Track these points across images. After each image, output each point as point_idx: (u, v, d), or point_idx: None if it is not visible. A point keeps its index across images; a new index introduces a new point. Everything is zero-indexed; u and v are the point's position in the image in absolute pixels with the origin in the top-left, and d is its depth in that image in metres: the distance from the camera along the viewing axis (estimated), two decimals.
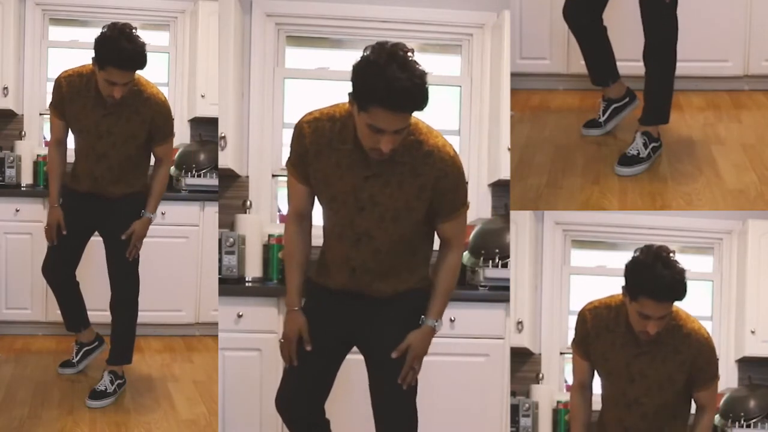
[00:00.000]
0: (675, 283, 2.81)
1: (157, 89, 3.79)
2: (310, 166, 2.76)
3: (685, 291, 2.84)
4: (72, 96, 3.71)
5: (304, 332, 2.89)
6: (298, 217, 2.92)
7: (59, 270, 4.03)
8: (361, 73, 2.49)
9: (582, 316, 3.13)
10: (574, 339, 3.19)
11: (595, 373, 3.20)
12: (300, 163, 2.77)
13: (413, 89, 2.45)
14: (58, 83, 3.74)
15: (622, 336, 3.02)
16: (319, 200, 2.86)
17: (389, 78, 2.43)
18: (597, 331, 3.07)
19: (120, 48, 3.46)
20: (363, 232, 2.77)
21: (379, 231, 2.76)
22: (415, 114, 2.60)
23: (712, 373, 3.09)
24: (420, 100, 2.49)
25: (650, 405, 3.05)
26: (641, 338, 2.97)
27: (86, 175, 3.85)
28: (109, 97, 3.59)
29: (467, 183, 2.84)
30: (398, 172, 2.68)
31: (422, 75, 2.48)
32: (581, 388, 3.25)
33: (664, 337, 2.98)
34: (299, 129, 2.76)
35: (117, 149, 3.76)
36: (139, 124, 3.72)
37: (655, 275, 2.79)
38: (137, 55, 3.51)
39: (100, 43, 3.49)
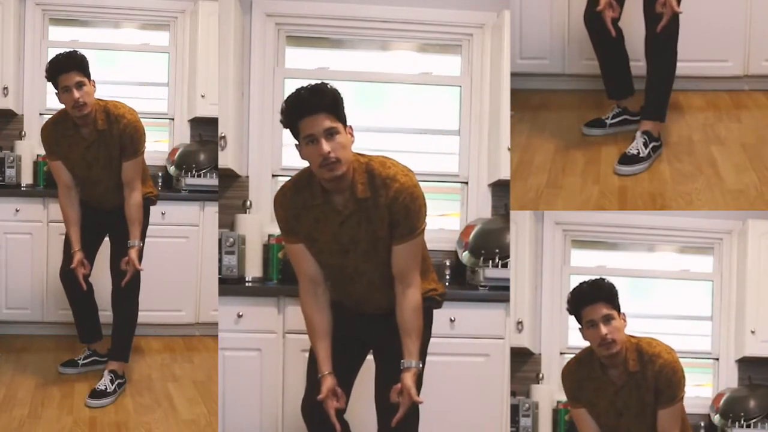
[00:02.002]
0: (597, 283, 3.17)
1: (125, 109, 3.91)
2: (296, 228, 2.94)
3: (609, 290, 3.15)
4: (57, 139, 3.93)
5: (337, 392, 2.95)
6: (312, 284, 3.01)
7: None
8: (282, 113, 2.82)
9: (563, 374, 3.37)
10: (566, 396, 3.36)
11: None
12: (288, 228, 2.97)
13: (314, 89, 2.77)
14: (43, 132, 3.99)
15: (599, 379, 3.23)
16: (311, 254, 2.98)
17: (295, 92, 2.79)
18: (579, 383, 3.29)
19: (59, 55, 3.80)
20: (353, 270, 2.95)
21: (366, 265, 2.93)
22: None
23: (673, 393, 3.15)
24: (325, 95, 2.76)
25: None
26: (603, 354, 3.15)
27: (90, 197, 4.03)
28: (74, 109, 3.79)
29: (423, 211, 2.90)
30: (364, 208, 2.86)
31: (324, 84, 2.79)
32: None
33: (632, 366, 3.16)
34: (276, 202, 2.99)
35: (106, 172, 3.94)
36: (113, 144, 3.89)
37: (580, 286, 3.21)
38: (75, 55, 3.79)
39: (47, 70, 3.80)
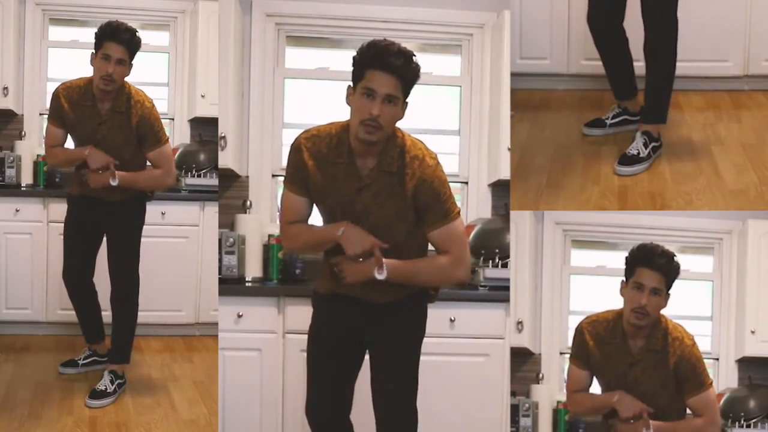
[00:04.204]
0: (666, 255, 3.11)
1: (144, 96, 3.89)
2: (309, 180, 2.85)
3: (675, 270, 3.12)
4: (70, 107, 3.85)
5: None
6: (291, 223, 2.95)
7: (77, 274, 4.11)
8: (360, 50, 2.76)
9: (579, 329, 3.27)
10: (572, 352, 3.32)
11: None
12: (299, 176, 2.86)
13: (404, 53, 2.72)
14: (56, 95, 3.88)
15: (617, 347, 3.17)
16: (319, 211, 2.94)
17: (384, 44, 2.74)
18: (595, 343, 3.22)
19: (117, 24, 3.80)
20: None
21: None
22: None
23: (699, 380, 3.14)
24: (408, 64, 2.72)
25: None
26: (632, 321, 3.11)
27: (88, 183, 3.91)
28: (101, 80, 3.74)
29: (452, 196, 2.85)
30: (387, 182, 2.80)
31: (413, 54, 2.74)
32: (577, 391, 3.34)
33: (654, 344, 3.13)
34: (297, 145, 2.87)
35: (112, 155, 3.84)
36: (128, 130, 3.85)
37: (650, 247, 3.14)
38: (133, 32, 3.81)
39: (100, 28, 3.79)
